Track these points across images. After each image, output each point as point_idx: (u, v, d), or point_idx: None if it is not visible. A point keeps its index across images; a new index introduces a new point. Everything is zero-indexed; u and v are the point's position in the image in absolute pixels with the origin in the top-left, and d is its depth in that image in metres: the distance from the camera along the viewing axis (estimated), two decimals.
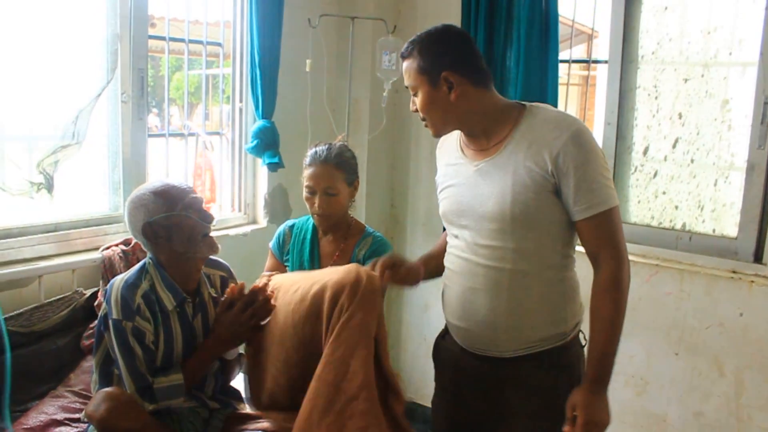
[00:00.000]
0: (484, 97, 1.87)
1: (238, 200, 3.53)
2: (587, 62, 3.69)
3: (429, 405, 2.22)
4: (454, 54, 1.84)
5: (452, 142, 2.00)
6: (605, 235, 1.77)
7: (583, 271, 1.90)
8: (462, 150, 1.95)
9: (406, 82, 1.87)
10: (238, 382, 2.39)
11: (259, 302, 2.11)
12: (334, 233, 2.43)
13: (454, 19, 3.43)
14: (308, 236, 2.46)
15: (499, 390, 1.94)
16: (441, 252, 2.09)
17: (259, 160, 3.41)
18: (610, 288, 1.77)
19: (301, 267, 2.41)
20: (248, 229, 3.45)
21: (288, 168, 3.38)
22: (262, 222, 3.54)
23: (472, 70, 1.85)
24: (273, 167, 3.33)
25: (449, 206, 1.95)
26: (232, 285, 2.17)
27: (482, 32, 3.25)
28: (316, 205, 2.33)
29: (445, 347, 2.10)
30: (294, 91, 3.41)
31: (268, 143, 3.26)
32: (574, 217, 1.78)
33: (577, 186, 1.74)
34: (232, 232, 3.36)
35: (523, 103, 1.90)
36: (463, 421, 2.04)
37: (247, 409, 2.29)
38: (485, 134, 1.87)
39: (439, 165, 2.06)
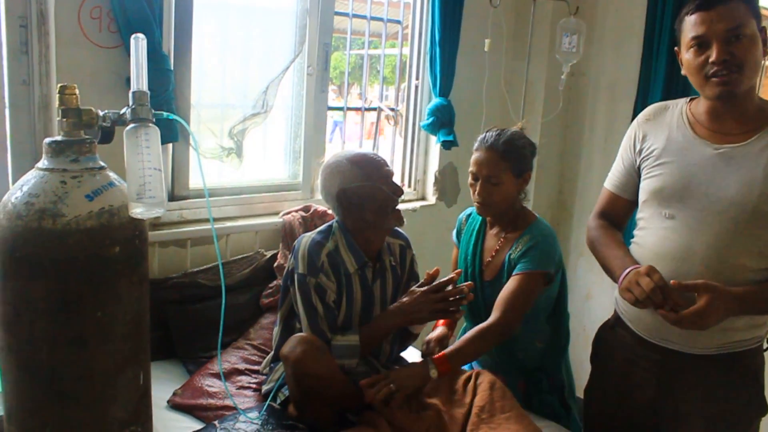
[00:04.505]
0: None
1: (408, 176, 3.58)
2: None
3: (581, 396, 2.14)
4: None
5: (673, 117, 1.87)
6: None
7: None
8: (692, 128, 1.81)
9: (731, 24, 1.65)
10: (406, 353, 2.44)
11: (451, 291, 2.07)
12: (500, 225, 2.29)
13: (640, 2, 3.28)
14: (476, 227, 2.34)
15: (675, 386, 1.83)
16: (624, 244, 1.96)
17: (432, 138, 3.44)
18: None
19: (465, 260, 2.32)
20: (417, 204, 3.51)
21: (460, 147, 3.39)
22: (431, 199, 3.57)
23: None
24: (447, 145, 3.35)
25: (670, 183, 1.80)
26: (437, 268, 2.15)
27: (669, 18, 3.08)
28: (476, 192, 2.21)
29: (613, 337, 1.98)
30: (471, 71, 3.41)
31: (443, 121, 3.29)
32: None
33: None
34: (401, 207, 3.38)
35: None
36: (623, 416, 1.94)
37: None
38: (739, 117, 1.74)
39: (650, 137, 1.89)
